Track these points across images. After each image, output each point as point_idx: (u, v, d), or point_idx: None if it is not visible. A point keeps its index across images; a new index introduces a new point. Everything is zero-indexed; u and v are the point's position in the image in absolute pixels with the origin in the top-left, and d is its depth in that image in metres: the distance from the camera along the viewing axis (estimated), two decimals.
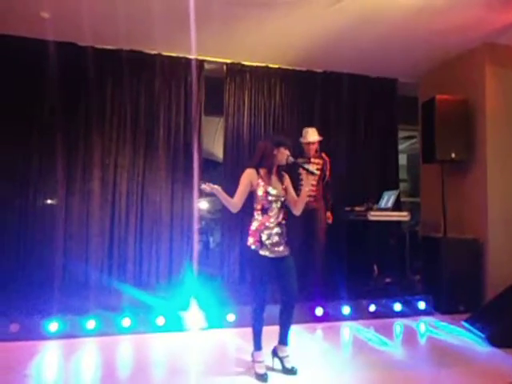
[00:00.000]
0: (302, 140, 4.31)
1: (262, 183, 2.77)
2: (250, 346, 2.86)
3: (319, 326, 3.85)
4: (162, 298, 3.96)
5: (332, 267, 4.54)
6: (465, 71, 4.77)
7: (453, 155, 4.49)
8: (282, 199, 2.80)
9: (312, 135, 4.31)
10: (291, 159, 2.82)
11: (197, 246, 4.83)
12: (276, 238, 2.75)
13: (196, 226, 4.80)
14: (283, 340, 2.86)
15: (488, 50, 4.53)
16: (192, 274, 4.57)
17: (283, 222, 2.81)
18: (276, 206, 2.78)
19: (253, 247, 2.74)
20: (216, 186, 2.72)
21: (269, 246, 2.74)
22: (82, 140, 4.59)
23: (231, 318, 3.79)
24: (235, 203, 2.77)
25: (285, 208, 2.83)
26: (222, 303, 3.93)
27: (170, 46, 4.72)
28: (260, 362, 2.78)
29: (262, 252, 2.73)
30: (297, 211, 2.86)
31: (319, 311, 3.96)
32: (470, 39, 4.44)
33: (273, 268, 2.76)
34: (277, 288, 2.82)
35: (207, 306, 3.80)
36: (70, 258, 4.40)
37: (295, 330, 3.17)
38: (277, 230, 2.76)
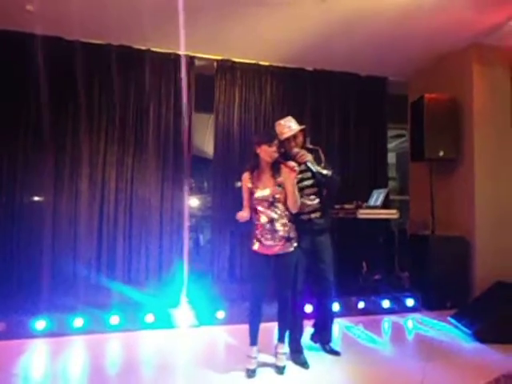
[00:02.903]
0: (281, 136, 2.99)
1: (250, 185, 2.80)
2: (239, 342, 2.88)
3: (308, 323, 3.88)
4: (151, 295, 3.94)
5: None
6: (453, 70, 4.82)
7: (441, 153, 4.55)
8: (271, 199, 2.74)
9: (288, 127, 3.03)
10: (275, 155, 2.76)
11: (187, 244, 4.80)
12: (268, 236, 2.73)
13: (186, 224, 4.78)
14: (278, 337, 2.90)
15: (475, 50, 4.59)
16: (182, 271, 4.55)
17: (280, 218, 2.74)
18: (264, 205, 2.75)
19: (252, 246, 2.81)
20: (245, 214, 2.82)
21: (262, 243, 2.75)
22: (69, 137, 4.52)
23: (221, 315, 3.80)
24: (245, 216, 2.83)
25: (282, 206, 2.76)
26: (212, 300, 3.93)
27: (160, 42, 4.68)
28: (251, 357, 2.80)
29: (255, 248, 2.77)
30: (291, 208, 2.77)
31: (308, 308, 3.99)
32: (458, 39, 4.49)
33: (267, 265, 2.76)
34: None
35: (197, 303, 3.79)
36: (59, 255, 4.33)
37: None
38: (269, 226, 2.73)
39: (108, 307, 3.61)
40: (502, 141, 4.61)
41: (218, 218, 4.96)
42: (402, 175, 7.17)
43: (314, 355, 3.08)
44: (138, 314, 3.61)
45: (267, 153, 2.75)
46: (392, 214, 4.57)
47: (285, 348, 2.89)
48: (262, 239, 2.75)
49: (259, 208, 2.77)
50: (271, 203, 2.74)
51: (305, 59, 5.13)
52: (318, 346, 3.25)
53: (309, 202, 3.00)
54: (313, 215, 3.00)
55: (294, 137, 3.00)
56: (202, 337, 3.54)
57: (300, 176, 2.97)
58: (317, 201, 3.02)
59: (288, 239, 2.76)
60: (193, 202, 7.11)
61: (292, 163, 2.78)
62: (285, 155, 2.96)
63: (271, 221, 2.74)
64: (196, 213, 7.19)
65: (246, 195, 2.86)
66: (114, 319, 3.53)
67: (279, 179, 2.76)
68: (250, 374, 2.75)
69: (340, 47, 4.69)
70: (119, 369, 2.95)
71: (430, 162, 4.70)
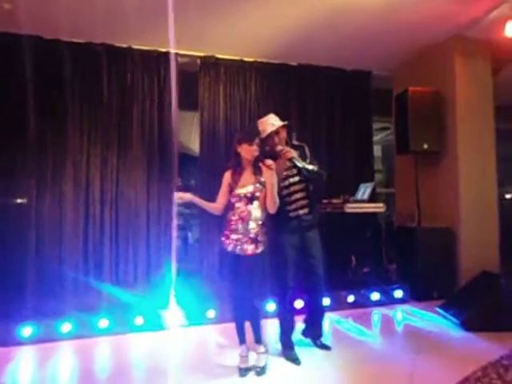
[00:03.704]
0: (263, 134, 2.98)
1: (231, 182, 2.80)
2: (231, 341, 2.87)
3: (299, 318, 3.89)
4: (140, 296, 3.91)
5: None
6: (436, 63, 4.86)
7: (425, 146, 4.59)
8: (249, 195, 2.72)
9: (271, 124, 3.01)
10: (255, 154, 2.76)
11: (175, 243, 4.76)
12: (236, 236, 2.71)
13: (175, 222, 4.74)
14: (254, 339, 2.83)
15: (457, 43, 4.63)
16: (171, 271, 4.51)
17: (255, 218, 2.72)
18: (242, 202, 2.73)
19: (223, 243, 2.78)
20: (187, 195, 2.80)
21: (231, 241, 2.72)
22: (52, 137, 4.42)
23: (211, 314, 3.78)
24: (215, 206, 2.86)
25: (259, 205, 2.74)
26: (202, 299, 3.91)
27: (142, 40, 4.60)
28: (241, 356, 2.81)
29: (224, 246, 2.75)
30: (269, 208, 2.75)
31: (299, 304, 4.00)
32: (440, 32, 4.52)
33: (237, 263, 2.72)
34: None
35: (187, 303, 3.77)
36: (44, 259, 4.25)
37: (274, 323, 3.20)
38: (241, 224, 2.70)
39: (96, 310, 3.56)
40: (485, 133, 4.67)
41: (205, 216, 4.92)
42: (387, 168, 7.22)
43: (305, 351, 3.10)
44: (127, 317, 3.57)
45: (248, 151, 2.75)
46: (379, 207, 4.60)
47: (262, 348, 2.84)
48: (232, 235, 2.72)
49: (237, 204, 2.75)
50: (250, 200, 2.72)
51: (289, 54, 5.10)
52: (309, 341, 3.26)
53: (296, 198, 2.99)
54: (301, 211, 3.00)
55: (277, 133, 2.99)
56: (193, 337, 3.52)
57: (285, 173, 2.97)
58: (304, 197, 3.02)
59: (255, 241, 2.71)
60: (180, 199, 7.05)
61: (269, 161, 2.77)
62: (270, 153, 2.94)
63: (245, 219, 2.71)
64: (184, 211, 7.14)
65: (222, 190, 2.86)
66: (103, 322, 3.48)
67: (260, 177, 2.75)
68: (243, 372, 2.74)
69: (324, 42, 4.69)
70: (109, 373, 2.91)
71: (415, 155, 4.74)
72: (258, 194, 2.73)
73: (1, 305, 3.70)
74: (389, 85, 5.66)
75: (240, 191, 2.74)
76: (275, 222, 2.94)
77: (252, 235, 2.70)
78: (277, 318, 3.17)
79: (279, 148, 2.94)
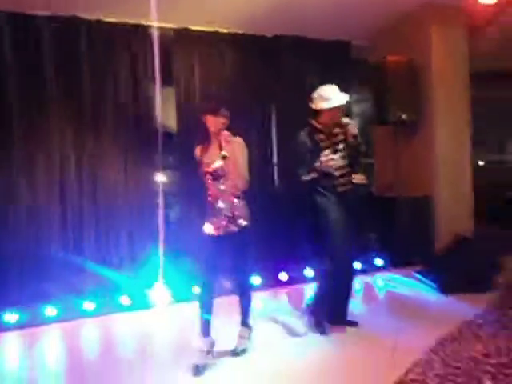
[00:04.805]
0: (324, 105, 3.01)
1: (199, 156, 2.65)
2: (216, 316, 2.88)
3: (283, 291, 3.98)
4: (125, 276, 3.89)
5: (295, 233, 4.66)
6: (412, 32, 4.81)
7: (403, 116, 4.62)
8: (219, 172, 2.50)
9: (336, 96, 3.01)
10: (220, 126, 2.54)
11: (158, 221, 4.72)
12: (212, 213, 2.54)
13: (157, 201, 4.69)
14: (242, 319, 2.73)
15: (433, 10, 4.58)
16: (155, 249, 4.50)
17: (225, 195, 2.52)
18: (211, 178, 2.55)
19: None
20: None
21: (208, 222, 2.55)
22: (20, 117, 4.21)
23: (197, 290, 3.81)
24: None
25: (232, 180, 2.53)
26: (187, 276, 3.92)
27: (111, 11, 4.37)
28: (200, 351, 2.49)
29: (203, 227, 2.58)
30: (238, 184, 2.52)
31: (283, 276, 4.09)
32: None
33: (214, 245, 2.53)
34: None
35: (172, 281, 3.79)
36: (25, 243, 4.13)
37: (261, 297, 3.26)
38: (213, 203, 2.54)
39: (81, 292, 3.54)
40: (461, 102, 4.73)
41: (186, 193, 4.88)
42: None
43: (288, 321, 3.17)
44: (113, 297, 3.57)
45: (212, 123, 2.53)
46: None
47: (247, 331, 2.72)
48: (208, 217, 2.56)
49: (208, 182, 2.57)
50: (218, 176, 2.52)
51: (265, 25, 4.96)
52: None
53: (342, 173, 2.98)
54: (344, 187, 2.99)
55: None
56: (179, 315, 3.56)
57: (333, 148, 2.96)
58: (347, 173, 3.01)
59: (231, 219, 2.50)
60: (159, 177, 6.95)
61: (225, 132, 2.51)
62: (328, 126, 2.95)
63: (216, 197, 2.54)
64: (163, 188, 7.06)
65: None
66: (89, 304, 3.47)
67: (225, 151, 2.50)
68: (200, 370, 2.40)
69: (300, 11, 4.56)
70: (97, 355, 2.93)
71: (394, 125, 4.78)
72: (225, 168, 2.50)
73: None
74: (366, 55, 5.61)
75: (208, 167, 2.55)
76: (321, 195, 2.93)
77: (225, 212, 2.50)
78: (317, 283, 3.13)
79: (345, 121, 2.95)
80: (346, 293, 3.04)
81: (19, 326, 3.27)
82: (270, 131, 5.30)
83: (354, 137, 3.00)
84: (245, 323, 2.74)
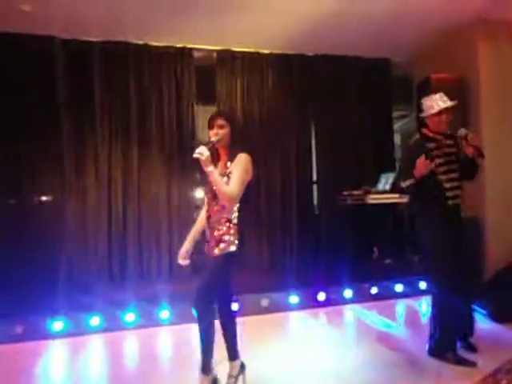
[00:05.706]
0: (431, 111, 2.87)
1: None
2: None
3: (322, 311, 3.89)
4: (164, 290, 3.96)
5: (333, 252, 4.57)
6: (458, 49, 4.70)
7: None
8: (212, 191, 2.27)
9: (441, 100, 2.86)
10: (213, 139, 2.31)
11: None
12: (207, 234, 2.35)
13: (195, 216, 4.78)
14: (229, 354, 2.37)
15: (480, 26, 4.46)
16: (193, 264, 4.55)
17: (217, 215, 2.27)
18: (208, 197, 2.36)
19: None
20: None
21: (206, 244, 2.36)
22: (73, 136, 4.51)
23: (234, 306, 3.80)
24: None
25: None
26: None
27: (157, 36, 4.61)
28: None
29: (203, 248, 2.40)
30: (223, 202, 2.22)
31: (321, 296, 4.00)
32: (462, 15, 4.36)
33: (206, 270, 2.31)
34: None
35: None
36: (72, 256, 4.36)
37: (299, 317, 3.20)
38: (207, 224, 2.34)
39: (124, 305, 3.63)
40: (510, 120, 4.52)
41: None
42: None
43: (328, 342, 3.08)
44: (153, 311, 3.63)
45: (212, 136, 2.32)
46: (401, 198, 4.52)
47: (238, 363, 2.37)
48: (206, 239, 2.36)
49: (208, 200, 2.37)
50: (214, 196, 2.28)
51: (305, 45, 5.02)
52: None
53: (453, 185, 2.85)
54: (456, 201, 2.90)
55: (447, 112, 2.82)
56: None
57: (447, 159, 2.83)
58: (458, 186, 2.90)
59: (218, 242, 2.25)
60: (199, 193, 7.12)
61: (200, 148, 2.14)
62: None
63: (209, 217, 2.32)
64: (201, 205, 7.20)
65: None
66: (130, 316, 3.55)
67: (219, 167, 2.32)
68: None
69: (340, 31, 4.57)
70: (140, 367, 2.98)
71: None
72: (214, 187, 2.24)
73: (32, 300, 3.81)
74: (407, 72, 5.53)
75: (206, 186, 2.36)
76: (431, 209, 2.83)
77: (216, 233, 2.27)
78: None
79: (463, 132, 2.79)
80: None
81: (64, 334, 3.39)
82: (310, 150, 5.32)
83: (475, 149, 2.77)
84: (237, 355, 2.39)
